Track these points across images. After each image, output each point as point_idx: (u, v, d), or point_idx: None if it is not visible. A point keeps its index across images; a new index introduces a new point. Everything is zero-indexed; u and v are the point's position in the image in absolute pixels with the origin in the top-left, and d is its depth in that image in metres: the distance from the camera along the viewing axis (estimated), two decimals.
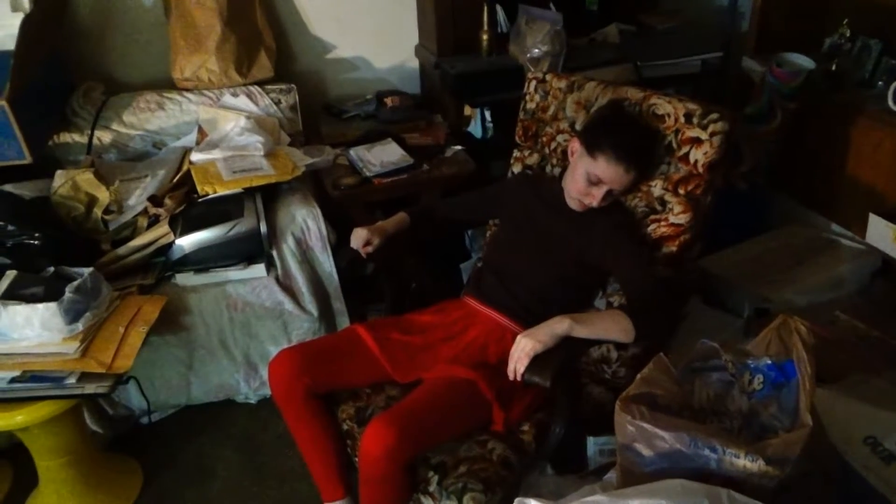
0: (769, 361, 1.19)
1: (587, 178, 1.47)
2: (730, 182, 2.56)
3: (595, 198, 1.48)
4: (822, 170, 2.38)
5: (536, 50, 2.28)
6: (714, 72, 2.55)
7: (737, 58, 2.59)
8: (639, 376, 1.17)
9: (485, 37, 2.39)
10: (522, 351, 1.26)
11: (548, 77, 1.82)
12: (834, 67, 2.34)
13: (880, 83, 2.24)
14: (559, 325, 1.29)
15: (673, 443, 1.05)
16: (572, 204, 1.53)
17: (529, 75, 1.87)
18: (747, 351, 1.23)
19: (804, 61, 2.37)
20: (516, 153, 1.89)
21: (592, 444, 1.46)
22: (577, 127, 1.71)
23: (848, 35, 2.36)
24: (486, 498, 1.26)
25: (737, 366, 1.22)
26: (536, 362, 1.25)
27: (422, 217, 1.74)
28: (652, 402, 1.12)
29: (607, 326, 1.33)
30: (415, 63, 2.72)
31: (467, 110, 2.50)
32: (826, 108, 2.33)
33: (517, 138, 1.89)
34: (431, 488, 1.30)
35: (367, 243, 1.59)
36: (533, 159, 1.85)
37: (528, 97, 1.85)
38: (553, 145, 1.79)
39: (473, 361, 1.45)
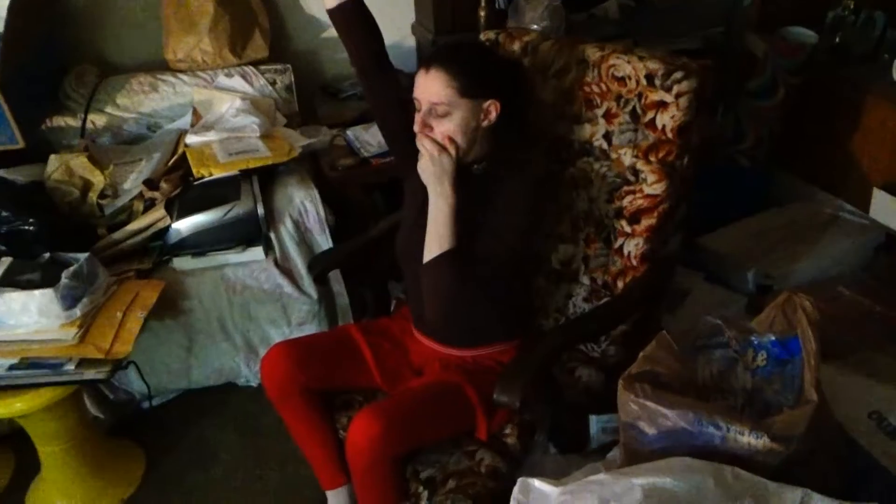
0: (773, 338, 1.18)
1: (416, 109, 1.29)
2: (731, 158, 2.54)
3: (418, 123, 1.28)
4: (825, 145, 2.35)
5: (535, 26, 2.24)
6: (716, 47, 2.52)
7: (739, 33, 2.56)
8: (641, 354, 1.16)
9: (482, 13, 2.34)
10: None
11: (500, 38, 1.64)
12: (837, 41, 2.30)
13: (885, 56, 2.21)
14: (445, 199, 1.25)
15: (677, 421, 1.04)
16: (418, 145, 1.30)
17: (482, 36, 1.69)
18: (751, 327, 1.22)
19: (807, 35, 2.34)
20: None
21: (595, 422, 1.45)
22: (537, 93, 1.55)
23: (851, 7, 2.31)
24: None
25: (740, 342, 1.21)
26: (504, 382, 1.21)
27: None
28: (655, 380, 1.11)
29: (438, 231, 1.26)
30: (411, 41, 2.68)
31: None
32: (830, 83, 2.30)
33: None
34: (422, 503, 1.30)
35: None
36: None
37: None
38: None
39: (458, 366, 1.43)
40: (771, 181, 2.55)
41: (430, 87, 1.25)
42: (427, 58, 1.28)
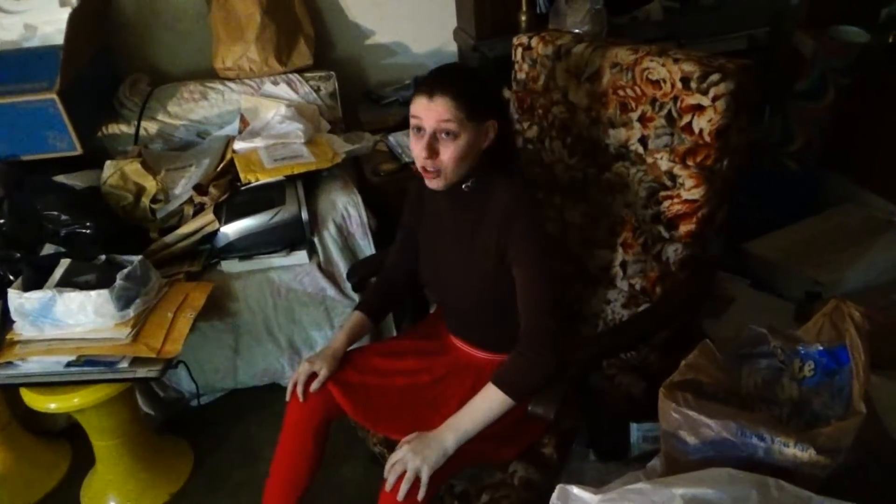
0: (821, 347, 1.15)
1: (413, 132, 1.25)
2: (779, 162, 2.49)
3: (424, 149, 1.23)
4: (877, 147, 2.29)
5: (577, 30, 2.23)
6: (763, 48, 2.47)
7: (787, 32, 2.50)
8: (683, 363, 1.15)
9: (523, 18, 2.35)
10: (412, 472, 1.15)
11: (533, 42, 1.64)
12: (891, 40, 2.24)
13: None
14: (447, 444, 1.18)
15: (719, 431, 1.03)
16: (427, 180, 1.29)
17: (515, 40, 1.67)
18: (798, 336, 1.19)
19: (858, 34, 2.27)
20: (517, 126, 1.78)
21: (636, 430, 1.44)
22: (571, 97, 1.58)
23: None
24: None
25: (786, 352, 1.18)
26: (540, 394, 1.19)
27: (379, 303, 1.54)
28: (697, 389, 1.10)
29: (488, 410, 1.21)
30: (453, 47, 2.70)
31: (506, 94, 2.47)
32: (882, 83, 2.23)
33: (516, 111, 1.78)
34: None
35: (310, 379, 1.42)
36: (532, 132, 1.75)
37: (517, 66, 1.71)
38: (550, 118, 1.68)
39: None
40: (821, 185, 2.48)
41: (439, 113, 1.21)
42: (426, 84, 1.22)
